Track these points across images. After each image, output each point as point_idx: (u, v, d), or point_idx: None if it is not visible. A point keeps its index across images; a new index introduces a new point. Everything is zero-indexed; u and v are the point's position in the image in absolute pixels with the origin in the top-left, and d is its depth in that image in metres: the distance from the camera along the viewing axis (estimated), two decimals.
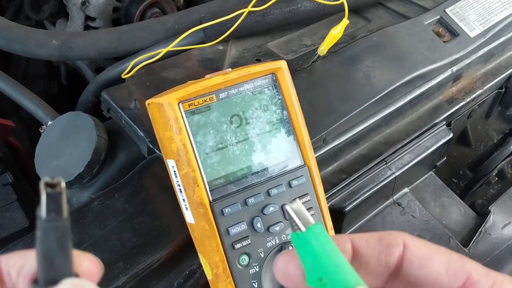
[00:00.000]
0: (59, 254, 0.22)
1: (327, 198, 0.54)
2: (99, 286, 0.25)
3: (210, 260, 0.41)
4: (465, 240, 0.61)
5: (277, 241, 0.43)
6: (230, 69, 0.43)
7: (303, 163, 0.45)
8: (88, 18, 0.78)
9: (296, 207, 0.25)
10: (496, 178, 0.73)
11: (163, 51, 0.63)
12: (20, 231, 0.52)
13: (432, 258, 0.24)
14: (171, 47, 0.63)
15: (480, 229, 0.62)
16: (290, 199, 0.44)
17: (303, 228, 0.24)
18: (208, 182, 0.41)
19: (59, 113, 0.58)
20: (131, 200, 0.49)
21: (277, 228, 0.43)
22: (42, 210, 0.23)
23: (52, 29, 0.85)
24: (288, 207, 0.26)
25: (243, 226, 0.41)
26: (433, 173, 0.67)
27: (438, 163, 0.67)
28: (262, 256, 0.42)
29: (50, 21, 0.87)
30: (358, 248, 0.24)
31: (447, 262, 0.24)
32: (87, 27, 0.79)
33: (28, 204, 0.56)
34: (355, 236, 0.25)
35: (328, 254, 0.23)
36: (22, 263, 0.23)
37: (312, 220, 0.25)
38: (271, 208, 0.43)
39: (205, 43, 0.65)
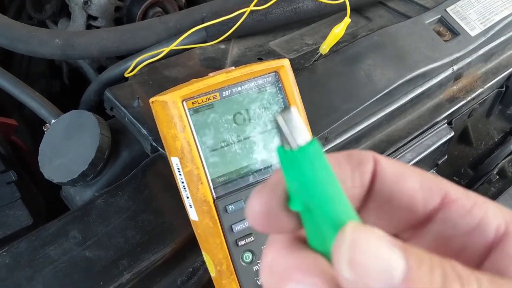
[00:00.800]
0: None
1: None
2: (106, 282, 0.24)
3: (214, 257, 0.42)
4: None
5: None
6: (233, 67, 0.44)
7: None
8: (90, 17, 0.78)
9: (289, 116, 0.19)
10: (497, 177, 0.74)
11: (165, 50, 0.63)
12: (24, 229, 0.52)
13: (405, 174, 0.22)
14: (174, 46, 0.63)
15: None
16: None
17: (294, 145, 0.19)
18: (212, 179, 0.41)
19: (62, 112, 0.58)
20: (134, 197, 0.49)
21: None
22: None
23: (54, 29, 0.86)
24: (278, 117, 0.19)
25: (247, 223, 0.42)
26: (434, 171, 0.68)
27: (439, 162, 0.68)
28: None
29: (52, 21, 0.87)
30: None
31: (421, 179, 0.22)
32: (89, 27, 0.79)
33: (32, 202, 0.57)
34: (331, 155, 0.21)
35: (322, 180, 0.19)
36: None
37: (308, 136, 0.19)
38: None
39: (207, 42, 0.66)
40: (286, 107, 0.19)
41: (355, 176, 0.21)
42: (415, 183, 0.22)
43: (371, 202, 0.22)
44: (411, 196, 0.22)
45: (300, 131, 0.19)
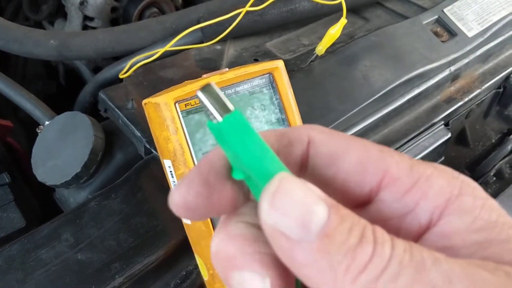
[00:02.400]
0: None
1: None
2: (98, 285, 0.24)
3: (207, 260, 0.41)
4: None
5: None
6: (227, 69, 0.43)
7: None
8: (86, 18, 0.78)
9: (209, 91, 0.20)
10: (494, 178, 0.73)
11: (160, 50, 0.62)
12: (17, 232, 0.52)
13: (343, 155, 0.21)
14: (169, 46, 0.63)
15: None
16: None
17: (219, 117, 0.20)
18: None
19: (58, 113, 0.58)
20: (127, 200, 0.49)
21: None
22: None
23: (51, 29, 0.85)
24: (199, 92, 0.20)
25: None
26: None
27: (437, 163, 0.67)
28: None
29: (49, 21, 0.87)
30: None
31: (361, 157, 0.21)
32: (85, 27, 0.79)
33: (25, 205, 0.56)
34: (262, 133, 0.21)
35: (248, 144, 0.19)
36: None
37: (231, 106, 0.20)
38: None
39: (203, 42, 0.65)
40: (206, 84, 0.20)
41: (281, 157, 0.20)
42: (352, 165, 0.21)
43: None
44: (344, 179, 0.21)
45: (222, 103, 0.20)
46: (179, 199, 0.20)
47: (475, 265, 0.17)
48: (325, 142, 0.21)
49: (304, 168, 0.22)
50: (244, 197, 0.21)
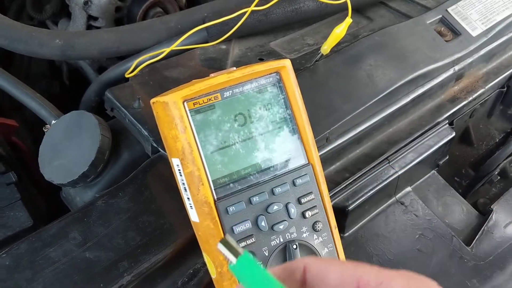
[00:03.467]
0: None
1: (330, 197, 0.54)
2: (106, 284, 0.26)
3: (215, 258, 0.41)
4: (467, 239, 0.61)
5: (281, 240, 0.43)
6: (234, 68, 0.43)
7: (307, 162, 0.45)
8: (90, 17, 0.78)
9: (224, 242, 0.28)
10: (498, 177, 0.73)
11: (166, 50, 0.63)
12: (24, 230, 0.52)
13: (327, 273, 0.27)
14: (175, 46, 0.63)
15: (483, 228, 0.62)
16: (294, 197, 0.44)
17: (234, 260, 0.27)
18: (212, 180, 0.41)
19: (62, 113, 0.58)
20: (135, 199, 0.49)
21: (281, 227, 0.43)
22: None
23: (55, 29, 0.85)
24: (218, 245, 0.28)
25: (248, 225, 0.42)
26: (435, 172, 0.67)
27: (441, 162, 0.68)
28: (267, 254, 0.42)
29: (52, 21, 0.87)
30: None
31: (340, 272, 0.27)
32: (89, 27, 0.79)
33: (32, 203, 0.57)
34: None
35: (256, 275, 0.26)
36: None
37: (240, 250, 0.27)
38: (275, 207, 0.43)
39: (208, 42, 0.66)
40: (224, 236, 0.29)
41: (289, 284, 0.27)
42: (335, 280, 0.27)
43: None
44: None
45: (234, 250, 0.27)
46: None
47: None
48: (314, 264, 0.28)
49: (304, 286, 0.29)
50: None
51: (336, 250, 0.46)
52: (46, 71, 0.93)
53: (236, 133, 0.43)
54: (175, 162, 0.41)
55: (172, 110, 0.40)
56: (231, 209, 0.41)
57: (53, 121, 0.56)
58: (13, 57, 0.90)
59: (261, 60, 0.64)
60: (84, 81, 0.83)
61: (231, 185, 0.42)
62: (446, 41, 0.69)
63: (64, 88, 0.93)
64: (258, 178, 0.43)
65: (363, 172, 0.59)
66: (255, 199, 0.42)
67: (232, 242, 0.27)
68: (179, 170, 0.41)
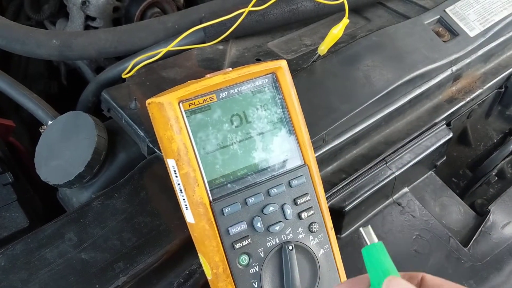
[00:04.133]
0: None
1: (327, 198, 0.54)
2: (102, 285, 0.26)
3: (210, 260, 0.41)
4: (464, 240, 0.61)
5: (277, 241, 0.43)
6: (230, 69, 0.43)
7: (303, 163, 0.45)
8: (88, 18, 0.78)
9: (366, 230, 0.34)
10: (496, 178, 0.73)
11: (163, 50, 0.63)
12: (20, 231, 0.52)
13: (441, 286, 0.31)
14: (171, 46, 0.63)
15: (480, 228, 0.62)
16: (290, 198, 0.44)
17: (369, 243, 0.33)
18: (208, 181, 0.41)
19: (59, 113, 0.58)
20: (131, 199, 0.49)
21: (277, 228, 0.43)
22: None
23: (53, 29, 0.85)
24: (361, 229, 0.34)
25: (243, 226, 0.41)
26: (433, 172, 0.67)
27: (438, 163, 0.68)
28: (262, 256, 0.42)
29: (50, 21, 0.87)
30: None
31: None
32: (87, 27, 0.79)
33: (28, 204, 0.56)
34: None
35: (381, 260, 0.32)
36: None
37: (376, 240, 0.33)
38: (271, 208, 0.43)
39: (205, 42, 0.65)
40: (367, 225, 0.35)
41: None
42: None
43: None
44: None
45: (373, 237, 0.33)
46: None
47: None
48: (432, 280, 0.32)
49: None
50: None
51: (332, 251, 0.45)
52: (44, 72, 0.93)
53: (232, 134, 0.42)
54: (170, 163, 0.41)
55: (168, 111, 0.40)
56: (226, 210, 0.41)
57: (50, 122, 0.56)
58: (11, 58, 0.90)
59: (259, 60, 0.64)
60: (82, 82, 0.83)
61: (227, 186, 0.42)
62: (444, 41, 0.69)
63: (62, 88, 0.93)
64: (254, 179, 0.43)
65: (360, 173, 0.59)
66: (251, 200, 0.42)
67: (372, 231, 0.33)
68: (174, 171, 0.41)
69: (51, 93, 0.92)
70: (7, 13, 0.90)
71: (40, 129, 0.57)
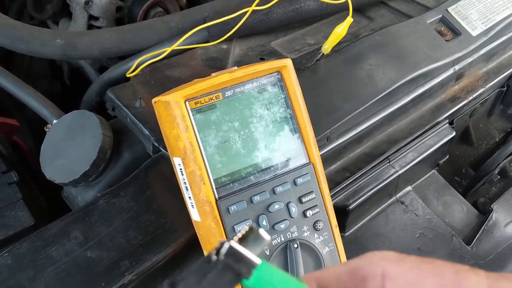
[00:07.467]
0: None
1: (331, 196, 0.54)
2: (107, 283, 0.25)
3: None
4: (467, 238, 0.62)
5: (282, 239, 0.43)
6: (236, 67, 0.44)
7: (308, 161, 0.45)
8: (91, 17, 0.78)
9: (231, 250, 0.23)
10: (498, 177, 0.74)
11: (167, 50, 0.63)
12: (25, 230, 0.52)
13: (419, 285, 0.21)
14: (176, 46, 0.63)
15: (483, 227, 0.62)
16: (295, 196, 0.44)
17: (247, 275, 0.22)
18: (214, 180, 0.41)
19: (63, 112, 0.58)
20: (136, 198, 0.49)
21: (282, 226, 0.43)
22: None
23: (56, 29, 0.86)
24: (224, 243, 0.23)
25: (249, 224, 0.42)
26: (435, 171, 0.68)
27: (441, 162, 0.68)
28: (267, 253, 0.42)
29: (53, 21, 0.87)
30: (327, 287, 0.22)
31: (437, 286, 0.21)
32: (90, 27, 0.79)
33: (33, 203, 0.57)
34: (324, 274, 0.22)
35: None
36: None
37: (257, 260, 0.23)
38: (276, 206, 0.43)
39: (209, 42, 0.66)
40: (223, 242, 0.24)
41: None
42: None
43: None
44: None
45: (250, 258, 0.23)
46: None
47: None
48: (400, 274, 0.21)
49: None
50: None
51: (337, 249, 0.46)
52: (47, 71, 0.93)
53: (237, 133, 0.43)
54: (176, 161, 0.41)
55: (174, 109, 0.40)
56: (232, 208, 0.41)
57: (55, 121, 0.56)
58: (14, 57, 0.90)
59: (262, 59, 0.64)
60: (85, 81, 0.83)
61: (233, 184, 0.42)
62: (446, 40, 0.69)
63: (65, 88, 0.93)
64: (259, 178, 0.43)
65: (363, 171, 0.59)
66: (256, 198, 0.42)
67: (242, 249, 0.23)
68: (180, 169, 0.41)
69: (54, 93, 0.92)
70: (10, 13, 0.90)
71: (45, 128, 0.57)
